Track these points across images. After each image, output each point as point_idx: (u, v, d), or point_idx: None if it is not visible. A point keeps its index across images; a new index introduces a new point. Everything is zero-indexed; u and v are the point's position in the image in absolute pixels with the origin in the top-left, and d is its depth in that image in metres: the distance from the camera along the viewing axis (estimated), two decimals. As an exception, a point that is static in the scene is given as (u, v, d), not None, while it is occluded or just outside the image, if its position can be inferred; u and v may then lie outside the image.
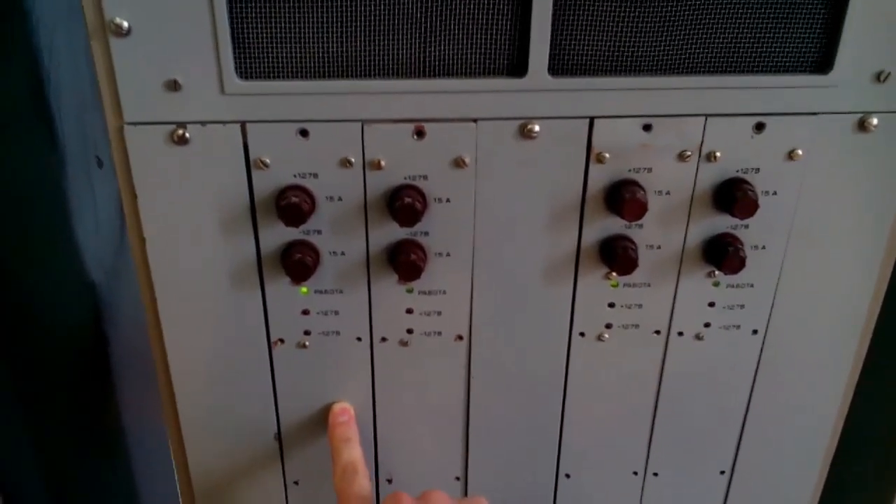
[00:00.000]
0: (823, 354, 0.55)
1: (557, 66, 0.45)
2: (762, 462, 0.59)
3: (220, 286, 0.50)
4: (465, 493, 0.60)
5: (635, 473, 0.59)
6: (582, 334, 0.53)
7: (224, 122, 0.45)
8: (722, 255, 0.49)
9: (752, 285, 0.52)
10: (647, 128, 0.47)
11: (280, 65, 0.44)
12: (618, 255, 0.49)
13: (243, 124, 0.46)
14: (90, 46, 0.43)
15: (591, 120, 0.47)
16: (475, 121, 0.46)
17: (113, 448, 0.70)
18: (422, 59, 0.45)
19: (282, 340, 0.53)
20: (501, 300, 0.52)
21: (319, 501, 0.59)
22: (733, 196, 0.48)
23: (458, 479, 0.59)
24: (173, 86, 0.44)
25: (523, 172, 0.48)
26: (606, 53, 0.45)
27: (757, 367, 0.55)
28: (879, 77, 0.45)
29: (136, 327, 0.74)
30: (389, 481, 0.59)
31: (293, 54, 0.44)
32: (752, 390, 0.56)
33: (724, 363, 0.55)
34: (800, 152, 0.47)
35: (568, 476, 0.59)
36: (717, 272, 0.50)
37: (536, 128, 0.47)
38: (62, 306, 0.58)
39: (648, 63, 0.46)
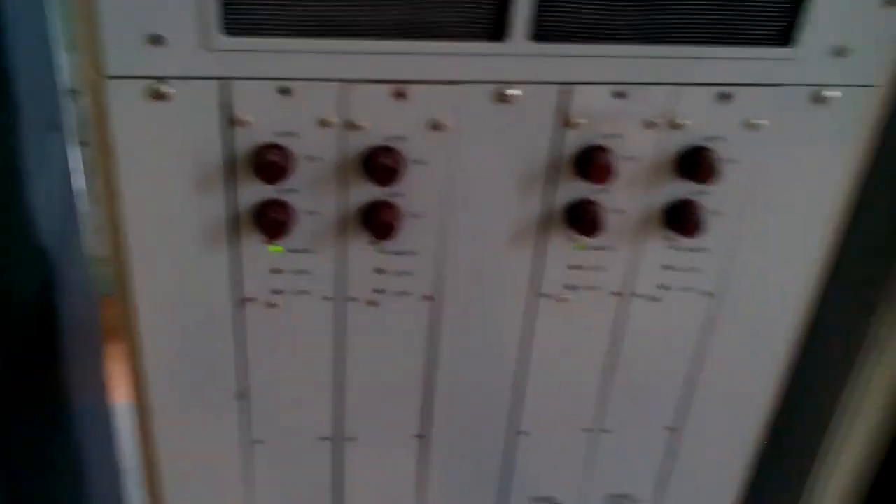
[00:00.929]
0: (774, 319, 0.58)
1: (538, 32, 0.46)
2: (710, 420, 0.63)
3: (193, 243, 0.50)
4: (428, 451, 0.61)
5: (587, 430, 0.62)
6: (545, 295, 0.55)
7: (207, 79, 0.45)
8: (681, 219, 0.52)
9: (708, 250, 0.54)
10: (619, 95, 0.48)
11: (265, 22, 0.44)
12: (585, 218, 0.51)
13: (226, 81, 0.45)
14: (51, 4, 0.42)
15: (567, 86, 0.48)
16: (455, 84, 0.47)
17: (57, 419, 0.69)
18: (404, 21, 0.45)
19: (252, 299, 0.53)
20: (471, 262, 0.53)
21: (284, 460, 0.60)
22: (696, 162, 0.50)
23: (420, 436, 0.61)
24: (157, 40, 0.43)
25: (500, 136, 0.49)
26: (586, 21, 0.46)
27: (709, 329, 0.58)
28: (839, 52, 0.48)
29: (83, 296, 0.73)
30: (353, 440, 0.60)
31: (278, 12, 0.44)
32: (703, 351, 0.59)
33: (678, 324, 0.57)
34: (762, 122, 0.50)
35: (524, 433, 0.61)
36: (675, 236, 0.52)
37: (515, 92, 0.48)
38: (12, 271, 0.57)
39: (624, 31, 0.47)
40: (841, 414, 0.69)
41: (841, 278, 0.67)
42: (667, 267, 0.55)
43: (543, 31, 0.47)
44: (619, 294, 0.56)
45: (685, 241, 0.54)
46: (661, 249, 0.54)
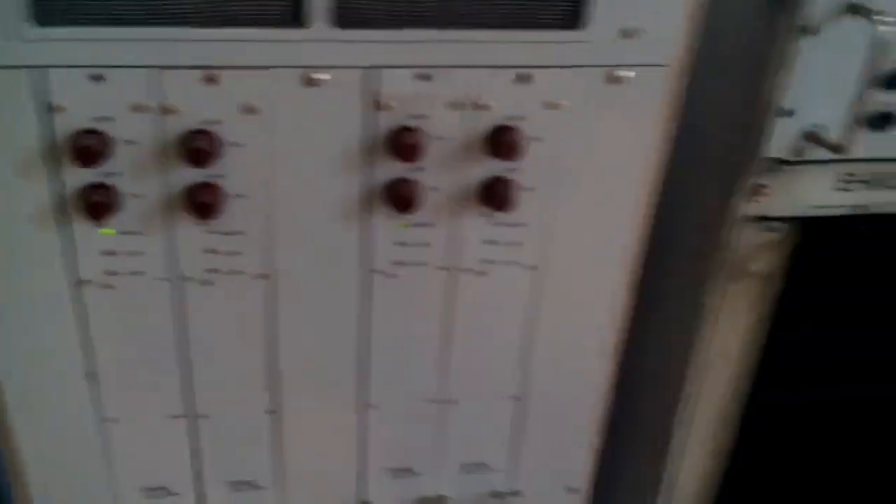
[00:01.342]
0: (598, 291, 0.61)
1: (339, 19, 0.49)
2: (552, 389, 0.66)
3: (25, 228, 0.52)
4: (281, 426, 0.63)
5: (433, 401, 0.65)
6: (377, 271, 0.58)
7: (20, 68, 0.47)
8: (493, 195, 0.55)
9: (526, 225, 0.57)
10: (424, 78, 0.51)
11: (75, 11, 0.46)
12: (402, 196, 0.54)
13: (40, 69, 0.47)
14: None
15: (373, 70, 0.51)
16: (264, 69, 0.50)
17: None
18: (211, 9, 0.48)
19: (88, 281, 0.55)
20: (300, 240, 0.56)
21: (139, 437, 0.62)
22: (501, 141, 0.53)
23: (272, 412, 0.63)
24: (-38, 29, 0.45)
25: (312, 119, 0.52)
26: (387, 8, 0.49)
27: (537, 301, 0.61)
28: (628, 33, 0.51)
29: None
30: (206, 417, 0.62)
31: (88, 1, 0.46)
32: (534, 322, 0.62)
33: (507, 297, 0.60)
34: (562, 102, 0.53)
35: (374, 406, 0.64)
36: (490, 211, 0.55)
37: (322, 77, 0.50)
38: None
39: (425, 17, 0.50)
40: (687, 388, 0.72)
41: (676, 252, 0.71)
42: (489, 241, 0.58)
43: (345, 18, 0.49)
44: (446, 269, 0.59)
45: (503, 217, 0.57)
46: (480, 225, 0.57)
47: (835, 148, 0.59)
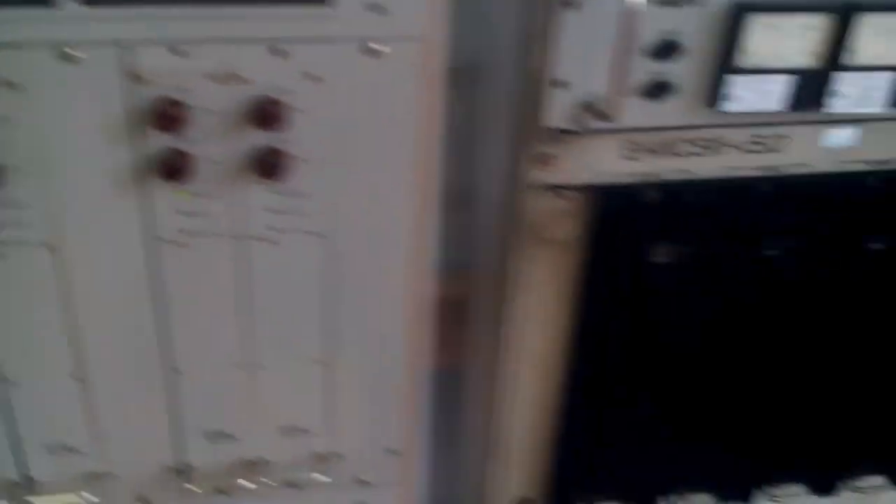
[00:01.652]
0: (392, 254, 0.63)
1: (87, -4, 0.50)
2: (358, 353, 0.68)
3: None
4: (91, 394, 0.66)
5: (241, 366, 0.67)
6: (164, 241, 0.60)
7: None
8: (264, 165, 0.57)
9: (307, 194, 0.59)
10: (182, 53, 0.53)
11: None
12: (174, 167, 0.56)
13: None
14: None
15: (128, 46, 0.52)
16: (20, 47, 0.51)
17: None
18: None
19: None
20: (82, 212, 0.58)
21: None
22: (265, 113, 0.55)
23: (80, 380, 0.65)
24: None
25: (75, 94, 0.53)
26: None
27: (331, 268, 0.63)
28: (375, 7, 0.53)
29: None
30: (16, 385, 0.64)
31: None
32: (332, 289, 0.64)
33: (301, 265, 0.62)
34: (321, 74, 0.55)
35: (180, 372, 0.66)
36: (264, 181, 0.57)
37: (77, 54, 0.52)
38: None
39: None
40: (506, 352, 0.75)
41: (481, 219, 0.73)
42: (273, 211, 0.60)
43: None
44: (236, 238, 0.61)
45: (283, 186, 0.59)
46: (263, 194, 0.59)
47: (604, 117, 0.61)
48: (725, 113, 0.63)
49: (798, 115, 0.65)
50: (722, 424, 0.80)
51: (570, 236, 0.69)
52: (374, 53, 0.55)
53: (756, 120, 0.65)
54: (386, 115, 0.57)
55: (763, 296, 0.72)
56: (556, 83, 0.61)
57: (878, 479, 0.90)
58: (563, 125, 0.63)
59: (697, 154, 0.67)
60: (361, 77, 0.55)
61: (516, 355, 0.75)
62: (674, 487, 0.85)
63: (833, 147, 0.68)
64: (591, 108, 0.62)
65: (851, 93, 0.64)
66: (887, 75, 0.64)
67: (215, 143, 0.56)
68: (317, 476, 0.74)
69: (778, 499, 0.87)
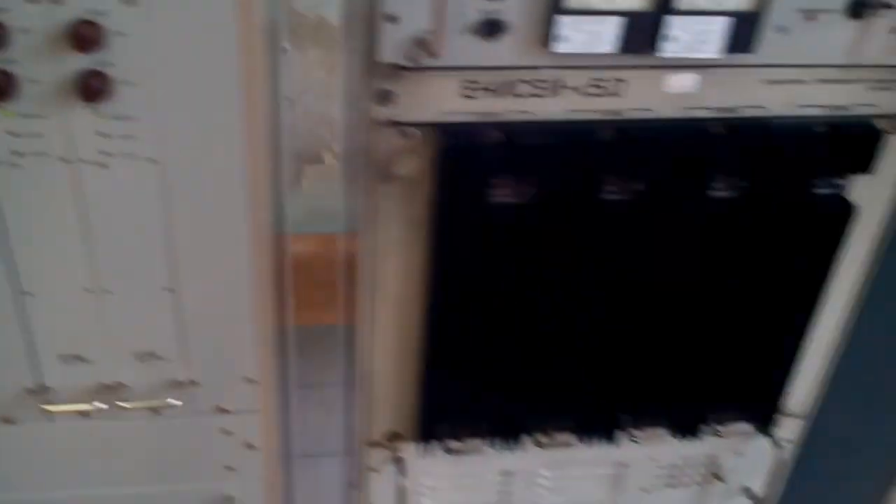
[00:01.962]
0: (228, 182, 0.65)
1: None
2: (204, 281, 0.70)
3: None
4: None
5: (88, 291, 0.68)
6: (-1, 161, 0.61)
7: None
8: (88, 88, 0.58)
9: (135, 118, 0.60)
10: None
11: None
12: (-7, 86, 0.57)
13: None
14: None
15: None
16: None
17: None
18: None
19: None
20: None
21: None
22: (80, 35, 0.56)
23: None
24: None
25: None
26: None
27: (167, 194, 0.64)
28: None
29: None
30: None
31: None
32: (170, 214, 0.65)
33: (135, 189, 0.64)
34: (136, -2, 0.56)
35: (29, 294, 0.68)
36: (93, 104, 0.58)
37: None
38: None
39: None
40: (364, 289, 0.77)
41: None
42: (102, 134, 0.61)
43: None
44: (67, 161, 0.62)
45: (111, 109, 0.60)
46: (89, 117, 0.60)
47: (433, 54, 0.62)
48: (560, 54, 0.64)
49: (635, 59, 0.66)
50: (580, 363, 0.82)
51: (415, 173, 0.70)
52: (184, -16, 0.55)
53: (593, 62, 0.66)
54: (206, 43, 0.58)
55: (608, 239, 0.74)
56: (387, 17, 0.62)
57: (745, 426, 0.93)
58: (397, 61, 0.64)
59: (538, 95, 0.68)
60: (177, 1, 0.56)
61: (374, 292, 0.77)
62: (538, 424, 0.87)
63: (673, 92, 0.69)
64: (422, 45, 0.63)
65: (684, 37, 0.65)
66: (720, 20, 0.65)
67: (37, 64, 0.57)
68: (173, 401, 0.75)
69: (637, 439, 0.89)
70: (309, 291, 0.78)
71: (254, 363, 0.76)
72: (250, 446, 0.81)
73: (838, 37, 0.68)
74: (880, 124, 0.73)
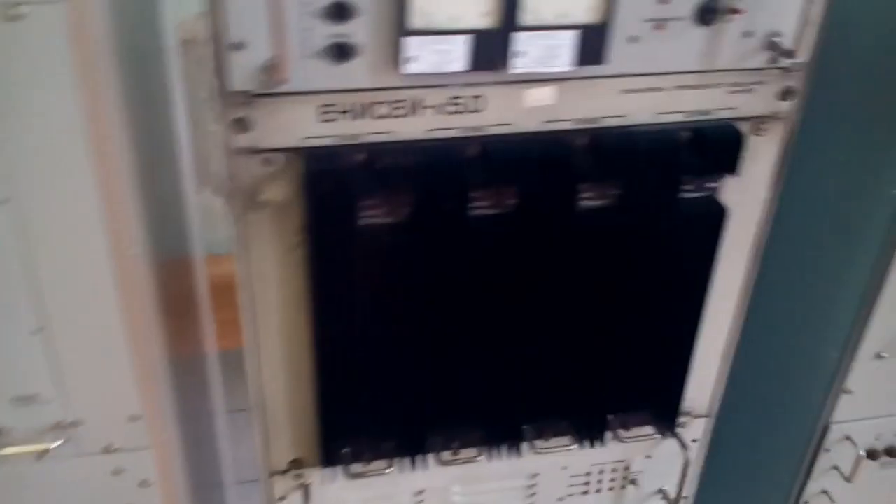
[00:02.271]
0: (79, 219, 0.64)
1: None
2: (74, 318, 0.69)
3: None
4: None
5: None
6: None
7: None
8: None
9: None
10: None
11: None
12: None
13: None
14: None
15: None
16: None
17: None
18: None
19: None
20: None
21: None
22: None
23: None
24: None
25: None
26: None
27: (21, 234, 0.64)
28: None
29: None
30: None
31: None
32: (28, 252, 0.65)
33: None
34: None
35: None
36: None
37: None
38: None
39: None
40: (248, 318, 0.76)
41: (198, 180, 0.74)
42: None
43: None
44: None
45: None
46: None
47: (282, 80, 0.62)
48: (412, 74, 0.65)
49: (489, 76, 0.67)
50: (475, 377, 0.83)
51: (284, 198, 0.70)
52: (19, 17, 0.55)
53: (448, 81, 0.67)
54: (40, 77, 0.58)
55: (483, 253, 0.75)
56: (233, 46, 0.62)
57: (649, 430, 0.94)
58: (250, 87, 0.64)
59: (398, 116, 0.68)
60: (5, 41, 0.56)
61: (257, 320, 0.77)
62: (442, 440, 0.87)
63: (532, 106, 0.70)
64: (270, 71, 0.63)
65: (533, 52, 0.66)
66: (568, 34, 0.66)
67: None
68: (57, 444, 0.74)
69: (542, 450, 0.90)
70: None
71: (137, 398, 0.75)
72: (145, 483, 0.80)
73: (690, 44, 0.70)
74: (742, 126, 0.75)
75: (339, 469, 0.86)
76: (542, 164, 0.71)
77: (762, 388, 1.01)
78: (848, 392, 0.93)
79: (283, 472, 0.88)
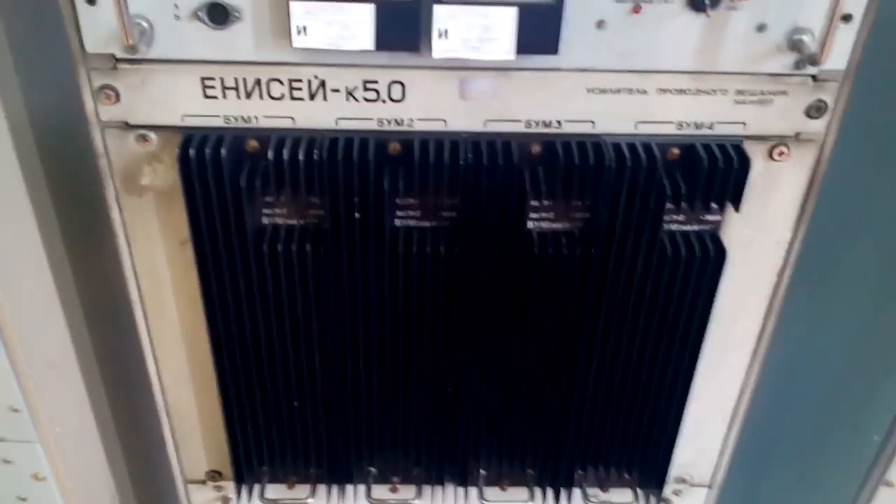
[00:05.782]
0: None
1: None
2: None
3: None
4: None
5: None
6: None
7: None
8: None
9: None
10: None
11: None
12: None
13: None
14: None
15: None
16: None
17: None
18: None
19: None
20: None
21: None
22: None
23: None
24: None
25: None
26: None
27: None
28: None
29: None
30: None
31: None
32: None
33: None
34: None
35: None
36: None
37: None
38: None
39: None
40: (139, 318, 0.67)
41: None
42: None
43: None
44: None
45: None
46: None
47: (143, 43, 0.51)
48: (307, 49, 0.52)
49: (410, 59, 0.53)
50: (398, 404, 0.70)
51: (166, 186, 0.59)
52: None
53: (354, 60, 0.54)
54: None
55: (403, 275, 0.61)
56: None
57: (629, 494, 0.79)
58: (110, 51, 0.53)
59: (297, 98, 0.56)
60: None
61: (149, 319, 0.67)
62: (371, 470, 0.76)
63: (468, 101, 0.55)
64: (133, 32, 0.51)
65: (460, 33, 0.51)
66: (508, 12, 0.51)
67: None
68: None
69: (497, 502, 0.76)
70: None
71: (16, 391, 0.67)
72: (38, 477, 0.73)
73: (680, 34, 0.53)
74: (752, 148, 0.58)
75: (255, 486, 0.76)
76: (480, 171, 0.56)
77: (767, 459, 0.83)
78: (890, 485, 0.74)
79: (203, 482, 0.78)
